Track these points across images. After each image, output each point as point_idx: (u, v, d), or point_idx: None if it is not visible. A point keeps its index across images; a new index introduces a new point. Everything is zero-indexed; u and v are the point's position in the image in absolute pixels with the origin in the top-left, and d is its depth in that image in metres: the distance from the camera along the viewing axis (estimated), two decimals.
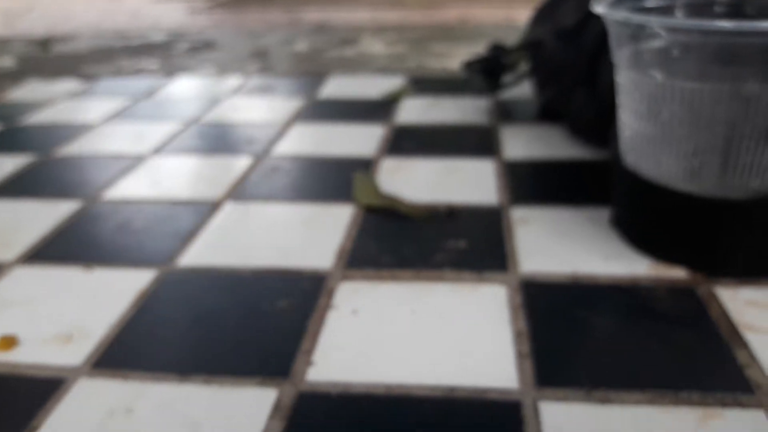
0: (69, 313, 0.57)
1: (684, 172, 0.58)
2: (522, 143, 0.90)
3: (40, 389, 0.48)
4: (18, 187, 0.84)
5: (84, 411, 0.46)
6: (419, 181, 0.79)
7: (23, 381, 0.49)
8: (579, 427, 0.42)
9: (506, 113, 1.02)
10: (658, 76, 0.56)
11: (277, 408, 0.45)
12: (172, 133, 1.01)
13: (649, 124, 0.59)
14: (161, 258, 0.65)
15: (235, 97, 1.19)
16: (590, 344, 0.50)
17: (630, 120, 0.61)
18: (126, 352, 0.52)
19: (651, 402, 0.44)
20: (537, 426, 0.43)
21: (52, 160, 0.92)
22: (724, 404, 0.44)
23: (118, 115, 1.11)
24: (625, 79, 0.61)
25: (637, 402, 0.44)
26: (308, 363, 0.49)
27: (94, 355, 0.52)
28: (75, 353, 0.52)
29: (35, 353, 0.52)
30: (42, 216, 0.75)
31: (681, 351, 0.49)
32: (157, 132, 1.02)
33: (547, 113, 0.98)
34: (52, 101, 1.21)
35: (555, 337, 0.51)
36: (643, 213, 0.62)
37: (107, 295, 0.59)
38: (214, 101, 1.17)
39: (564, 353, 0.49)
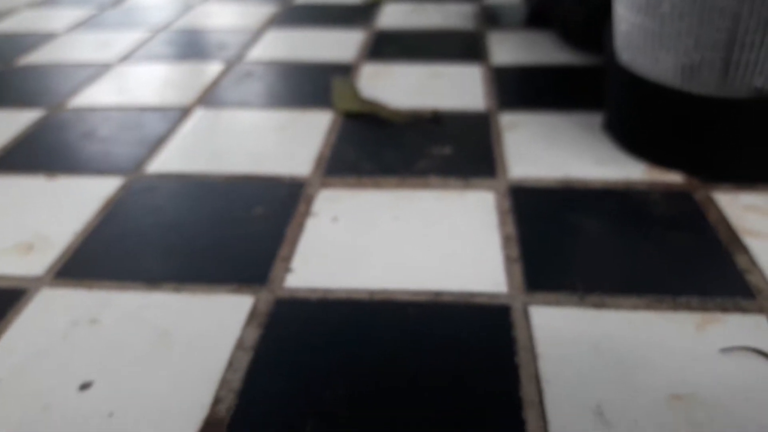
0: (30, 223, 0.53)
1: (683, 69, 0.54)
2: (510, 49, 0.85)
3: (0, 300, 0.45)
4: None
5: (46, 322, 0.43)
6: (401, 87, 0.75)
7: None
8: (572, 330, 0.40)
9: (492, 19, 0.97)
10: None
11: (253, 315, 0.42)
12: (140, 41, 0.95)
13: (647, 18, 0.55)
14: (128, 165, 0.61)
15: (207, 2, 1.13)
16: (583, 249, 0.48)
17: (627, 14, 0.57)
18: (91, 262, 0.48)
19: (648, 307, 0.42)
20: (527, 330, 0.40)
21: (13, 69, 0.86)
22: (724, 309, 0.42)
23: (84, 24, 1.05)
24: None
25: (634, 307, 0.42)
26: (286, 270, 0.46)
27: (57, 264, 0.48)
28: (36, 263, 0.49)
29: None
30: (4, 124, 0.70)
31: (679, 256, 0.47)
32: (124, 40, 0.96)
33: (535, 18, 0.94)
34: (13, 10, 1.14)
35: (546, 242, 0.48)
36: (638, 114, 0.59)
37: (71, 204, 0.55)
38: (185, 8, 1.11)
39: (555, 258, 0.47)
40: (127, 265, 0.48)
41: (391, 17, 1.00)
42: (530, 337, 0.40)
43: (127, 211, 0.54)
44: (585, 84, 0.74)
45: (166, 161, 0.61)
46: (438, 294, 0.43)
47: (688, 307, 0.42)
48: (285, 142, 0.64)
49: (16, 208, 0.55)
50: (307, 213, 0.53)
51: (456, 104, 0.70)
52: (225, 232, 0.51)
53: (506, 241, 0.49)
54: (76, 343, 0.41)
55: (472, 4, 1.04)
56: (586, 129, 0.64)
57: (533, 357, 0.38)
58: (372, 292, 0.44)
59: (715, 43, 0.52)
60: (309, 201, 0.54)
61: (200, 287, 0.45)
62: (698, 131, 0.55)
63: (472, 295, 0.43)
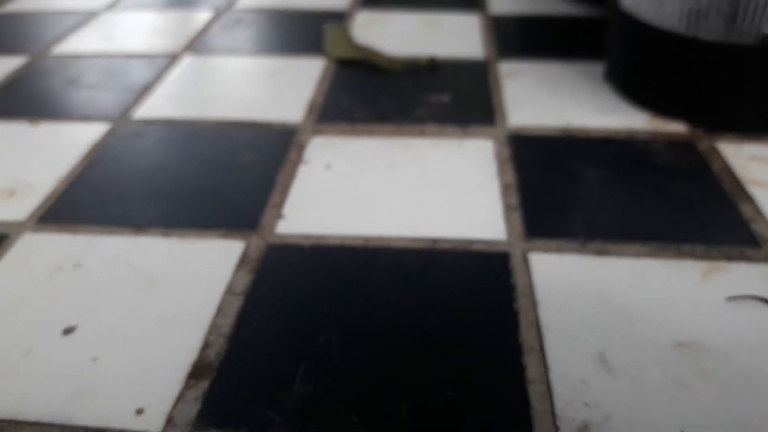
0: (12, 168, 0.51)
1: (688, 14, 0.52)
2: None
3: None
4: None
5: (28, 267, 0.41)
6: (397, 34, 0.73)
7: None
8: (572, 277, 0.39)
9: None
10: None
11: (243, 260, 0.41)
12: None
13: None
14: (114, 112, 0.59)
15: None
16: (584, 197, 0.46)
17: None
18: (75, 207, 0.47)
19: (652, 255, 0.41)
20: (527, 276, 0.39)
21: None
22: (729, 258, 0.41)
23: None
24: None
25: (637, 254, 0.41)
26: (278, 216, 0.45)
27: (40, 210, 0.46)
28: (18, 208, 0.47)
29: None
30: None
31: (682, 205, 0.45)
32: None
33: None
34: None
35: (546, 190, 0.47)
36: (641, 62, 0.57)
37: (54, 149, 0.53)
38: None
39: (556, 205, 0.45)
40: (113, 210, 0.46)
41: None
42: (530, 284, 0.38)
43: (112, 156, 0.52)
44: (587, 34, 0.72)
45: (153, 107, 0.59)
46: (435, 241, 0.42)
47: (693, 256, 0.41)
48: (276, 89, 0.62)
49: None
50: (298, 160, 0.51)
51: (454, 52, 0.68)
52: (214, 178, 0.49)
53: (505, 189, 0.47)
54: (59, 288, 0.39)
55: None
56: (588, 78, 0.62)
57: (533, 303, 0.37)
58: (367, 239, 0.42)
59: None
60: (300, 148, 0.53)
61: (188, 232, 0.43)
62: (703, 79, 0.53)
63: (470, 242, 0.42)
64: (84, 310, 0.38)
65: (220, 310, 0.37)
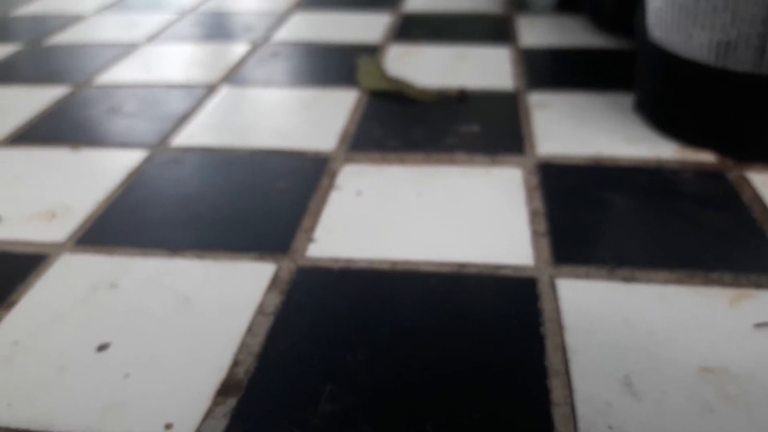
0: (53, 192, 0.53)
1: (718, 46, 0.53)
2: (539, 32, 0.84)
3: (20, 265, 0.45)
4: (4, 74, 0.79)
5: (66, 286, 0.42)
6: (428, 67, 0.74)
7: (2, 257, 0.46)
8: (600, 303, 0.39)
9: (521, 3, 0.96)
10: None
11: (274, 282, 0.42)
12: (166, 22, 0.95)
13: None
14: (153, 139, 0.61)
15: None
16: (613, 224, 0.46)
17: None
18: (112, 229, 0.48)
19: (680, 282, 0.41)
20: (554, 302, 0.39)
21: (42, 49, 0.87)
22: (758, 285, 0.40)
23: (111, 6, 1.05)
24: None
25: (665, 281, 0.41)
26: (309, 240, 0.46)
27: (78, 231, 0.48)
28: (58, 230, 0.48)
29: (16, 230, 0.49)
30: (29, 100, 0.71)
31: (711, 233, 0.45)
32: (151, 21, 0.96)
33: (564, 3, 0.92)
34: None
35: (574, 217, 0.47)
36: (670, 92, 0.57)
37: (94, 174, 0.55)
38: None
39: (584, 232, 0.45)
40: (149, 233, 0.47)
41: (418, 1, 0.99)
42: (557, 309, 0.39)
43: (150, 181, 0.54)
44: (616, 66, 0.72)
45: (191, 135, 0.61)
46: (462, 266, 0.42)
47: (721, 283, 0.41)
48: (310, 119, 0.63)
49: (39, 178, 0.55)
50: (330, 186, 0.52)
51: (484, 84, 0.69)
52: (248, 204, 0.50)
53: (533, 216, 0.47)
54: (95, 307, 0.40)
55: None
56: (618, 109, 0.63)
57: (560, 328, 0.37)
58: (394, 263, 0.43)
59: (753, 18, 0.50)
60: (333, 175, 0.54)
61: (222, 255, 0.45)
62: (732, 109, 0.53)
63: (497, 267, 0.42)
64: (118, 328, 0.39)
65: (250, 330, 0.38)
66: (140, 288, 0.42)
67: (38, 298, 0.42)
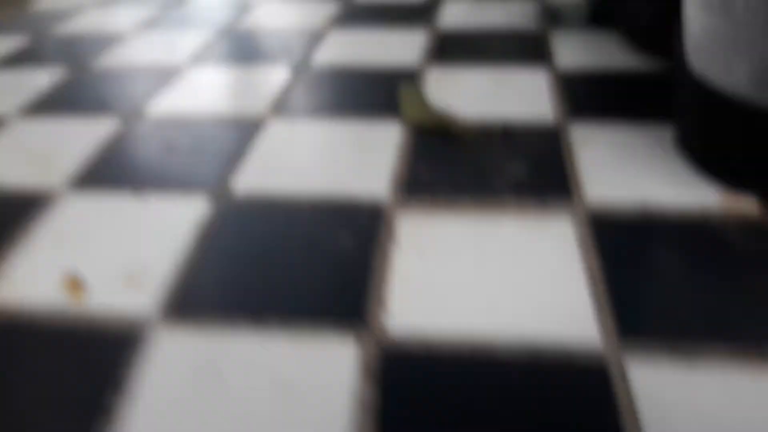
0: (124, 250, 0.56)
1: (759, 78, 0.52)
2: (574, 51, 0.86)
3: (119, 342, 0.47)
4: (55, 103, 0.82)
5: (170, 370, 0.45)
6: (468, 93, 0.76)
7: (99, 334, 0.49)
8: (669, 389, 0.41)
9: (554, 17, 0.97)
10: None
11: (364, 369, 0.44)
12: (205, 42, 0.97)
13: (720, 20, 0.52)
14: (213, 181, 0.64)
15: (265, 2, 1.14)
16: (668, 289, 0.49)
17: (698, 15, 0.55)
18: (195, 296, 0.51)
19: (740, 361, 0.43)
20: (627, 393, 0.42)
21: (87, 74, 0.89)
22: None
23: (149, 25, 1.07)
24: None
25: (724, 363, 0.43)
26: (382, 308, 0.49)
27: (164, 299, 0.51)
28: (144, 297, 0.51)
29: (104, 298, 0.51)
30: (83, 135, 0.74)
31: (762, 298, 0.47)
32: (190, 41, 0.98)
33: (598, 17, 0.93)
34: (79, 10, 1.17)
35: (630, 283, 0.49)
36: (710, 131, 0.58)
37: (163, 227, 0.58)
38: (244, 8, 1.12)
39: (643, 301, 0.48)
40: (231, 298, 0.50)
41: (452, 16, 1.00)
42: (629, 394, 0.41)
43: (219, 237, 0.57)
44: (653, 92, 0.74)
45: (249, 179, 0.64)
46: (537, 356, 0.44)
47: None
48: (361, 160, 0.66)
49: (109, 231, 0.58)
50: (389, 240, 0.55)
51: (524, 112, 0.71)
52: (317, 263, 0.53)
53: (592, 281, 0.50)
54: (205, 396, 0.43)
55: (533, 3, 1.04)
56: (658, 144, 0.65)
57: (636, 422, 0.40)
58: (474, 348, 0.45)
59: None
60: (390, 226, 0.56)
61: (305, 322, 0.48)
62: None
63: (570, 356, 0.44)
64: (228, 421, 0.42)
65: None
66: (242, 372, 0.44)
67: (150, 384, 0.44)
